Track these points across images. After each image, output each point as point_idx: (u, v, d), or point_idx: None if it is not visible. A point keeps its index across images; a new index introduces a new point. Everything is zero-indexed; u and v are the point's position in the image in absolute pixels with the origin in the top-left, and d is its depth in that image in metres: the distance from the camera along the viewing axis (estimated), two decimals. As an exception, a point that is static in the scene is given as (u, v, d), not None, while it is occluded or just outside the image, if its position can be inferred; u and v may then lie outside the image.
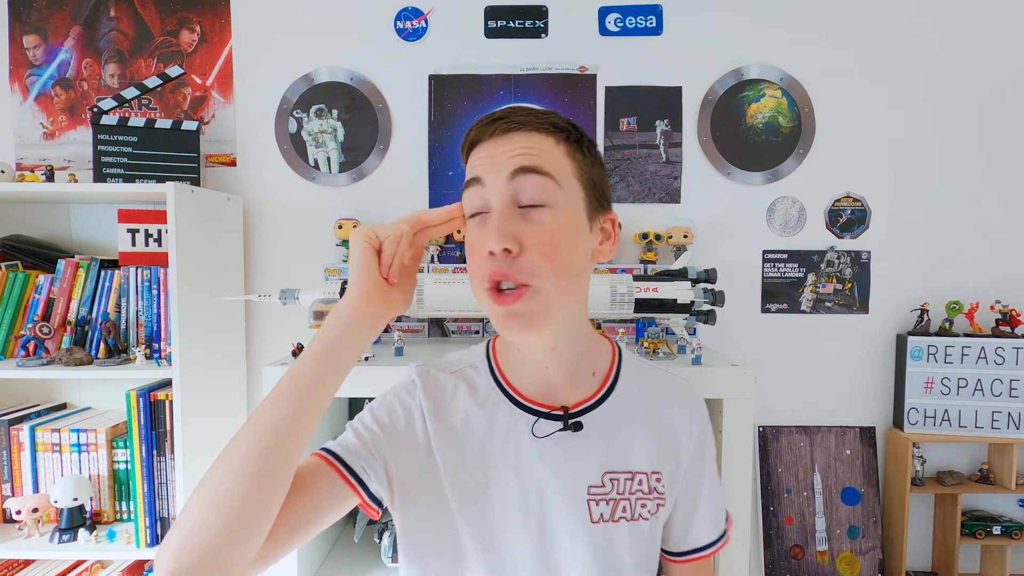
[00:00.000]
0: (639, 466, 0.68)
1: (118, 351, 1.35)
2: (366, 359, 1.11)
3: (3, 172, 1.30)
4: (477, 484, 0.67)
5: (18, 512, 1.30)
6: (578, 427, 0.67)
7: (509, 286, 0.60)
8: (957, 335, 1.45)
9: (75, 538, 1.29)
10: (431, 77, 1.53)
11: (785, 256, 1.52)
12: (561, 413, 0.67)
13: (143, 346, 1.35)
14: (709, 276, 1.20)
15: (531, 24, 1.52)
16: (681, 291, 1.15)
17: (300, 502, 0.59)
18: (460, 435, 0.68)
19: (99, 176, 1.37)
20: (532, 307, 0.61)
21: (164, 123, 1.41)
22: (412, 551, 0.68)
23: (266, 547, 0.55)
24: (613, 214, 0.69)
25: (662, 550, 0.75)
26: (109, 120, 1.37)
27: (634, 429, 0.69)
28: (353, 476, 0.63)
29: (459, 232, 1.45)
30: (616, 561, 0.67)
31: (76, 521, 1.30)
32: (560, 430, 0.67)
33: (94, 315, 1.38)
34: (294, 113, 1.54)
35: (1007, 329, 1.44)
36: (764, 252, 1.53)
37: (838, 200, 1.51)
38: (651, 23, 1.51)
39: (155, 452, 1.30)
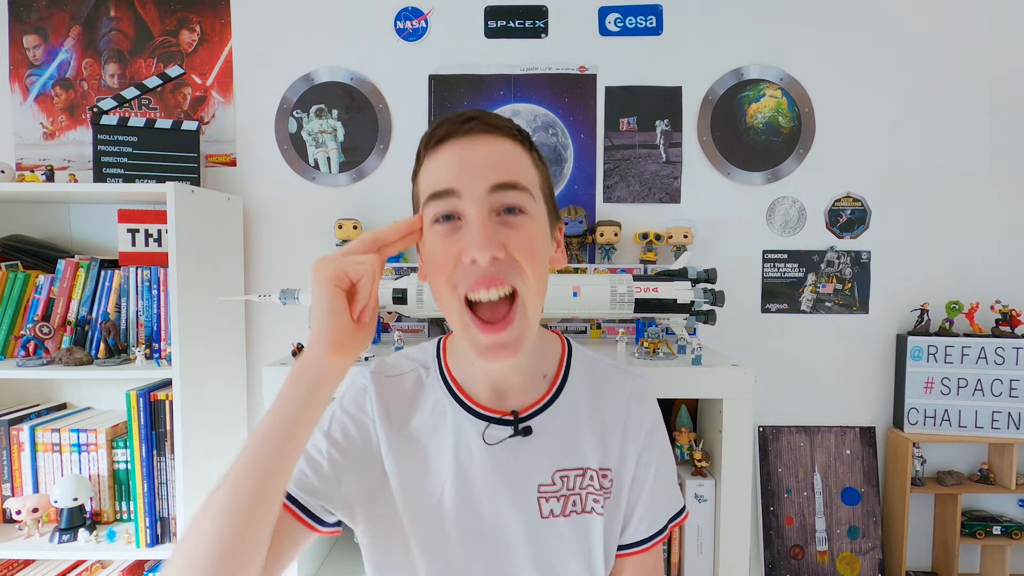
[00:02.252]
0: (589, 463, 0.69)
1: (118, 351, 1.35)
2: (366, 359, 1.11)
3: (3, 172, 1.30)
4: (428, 493, 0.67)
5: (18, 512, 1.30)
6: (527, 432, 0.67)
7: (491, 299, 0.59)
8: (957, 335, 1.45)
9: (75, 538, 1.29)
10: (431, 77, 1.53)
11: (785, 256, 1.52)
12: (511, 418, 0.67)
13: (143, 346, 1.35)
14: (709, 276, 1.20)
15: (531, 24, 1.52)
16: (681, 291, 1.15)
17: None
18: (410, 445, 0.68)
19: (99, 176, 1.37)
20: (517, 333, 0.60)
21: (164, 123, 1.41)
22: (373, 566, 0.70)
23: None
24: (562, 223, 0.71)
25: None
26: (109, 120, 1.37)
27: (583, 427, 0.69)
28: (312, 518, 0.64)
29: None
30: (565, 555, 0.67)
31: (76, 521, 1.30)
32: (511, 436, 0.67)
33: (94, 315, 1.38)
34: (294, 113, 1.54)
35: (1007, 329, 1.44)
36: (764, 252, 1.53)
37: (838, 200, 1.51)
38: (651, 23, 1.51)
39: (155, 452, 1.30)
